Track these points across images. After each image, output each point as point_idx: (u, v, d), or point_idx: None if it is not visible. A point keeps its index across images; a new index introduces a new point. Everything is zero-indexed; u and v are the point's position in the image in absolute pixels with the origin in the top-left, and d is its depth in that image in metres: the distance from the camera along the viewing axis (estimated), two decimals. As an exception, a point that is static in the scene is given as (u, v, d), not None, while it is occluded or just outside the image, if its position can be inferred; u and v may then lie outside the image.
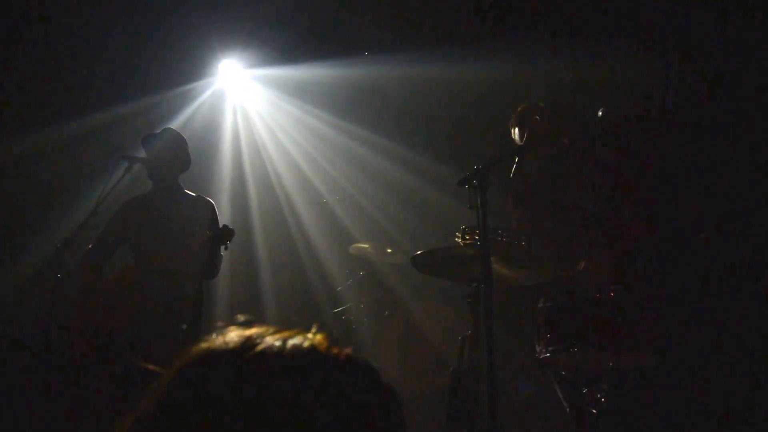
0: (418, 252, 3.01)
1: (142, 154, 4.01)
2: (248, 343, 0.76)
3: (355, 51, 5.49)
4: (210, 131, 6.01)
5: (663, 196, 3.18)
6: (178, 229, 3.90)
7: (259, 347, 0.76)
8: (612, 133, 2.98)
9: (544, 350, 2.86)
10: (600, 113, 3.01)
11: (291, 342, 0.77)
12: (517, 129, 3.43)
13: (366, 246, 5.66)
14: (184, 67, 5.65)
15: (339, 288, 5.79)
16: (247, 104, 6.20)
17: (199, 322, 3.93)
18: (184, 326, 3.82)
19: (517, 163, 2.88)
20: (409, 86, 5.42)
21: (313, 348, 0.77)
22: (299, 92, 5.98)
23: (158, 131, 4.16)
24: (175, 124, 5.38)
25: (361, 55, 5.47)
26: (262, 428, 0.69)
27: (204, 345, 0.79)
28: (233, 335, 0.78)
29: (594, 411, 2.80)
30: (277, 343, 0.76)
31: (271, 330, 0.79)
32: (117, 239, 4.09)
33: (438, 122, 5.57)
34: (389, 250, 5.60)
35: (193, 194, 4.11)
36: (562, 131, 3.38)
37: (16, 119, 5.18)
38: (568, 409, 3.06)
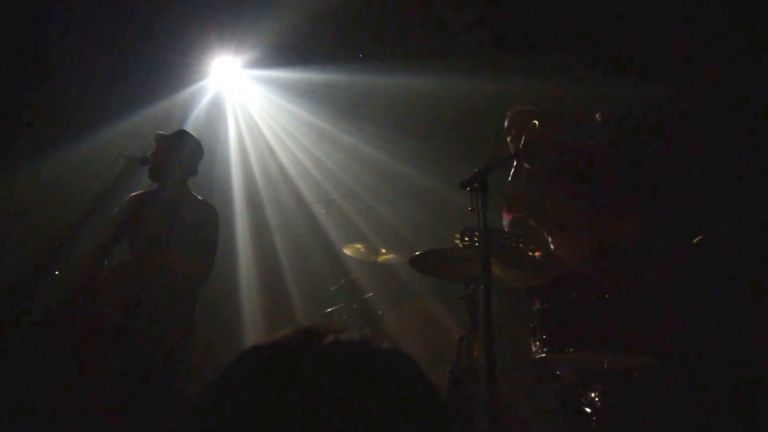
0: (417, 253, 3.04)
1: (144, 153, 4.02)
2: (309, 337, 0.82)
3: (353, 55, 5.53)
4: (212, 134, 6.03)
5: (659, 198, 3.24)
6: (176, 229, 3.92)
7: (320, 340, 0.81)
8: (612, 136, 3.04)
9: (539, 351, 2.92)
10: (598, 117, 3.06)
11: (345, 336, 0.82)
12: (513, 130, 3.48)
13: (359, 246, 5.70)
14: (181, 70, 5.65)
15: (332, 288, 5.83)
16: (246, 104, 6.21)
17: (192, 323, 3.95)
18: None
19: (516, 167, 2.92)
20: (412, 88, 5.46)
21: (364, 341, 0.83)
22: (299, 92, 6.00)
23: (172, 132, 4.15)
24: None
25: (359, 58, 5.50)
26: (324, 414, 0.73)
27: (268, 338, 0.83)
28: (294, 331, 0.83)
29: (589, 411, 2.84)
30: (333, 337, 0.82)
31: (323, 327, 0.84)
32: (119, 233, 4.09)
33: (442, 122, 5.62)
34: (383, 250, 5.64)
35: (200, 198, 4.12)
36: (559, 135, 3.42)
37: (20, 144, 5.14)
38: (563, 410, 3.12)
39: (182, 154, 4.05)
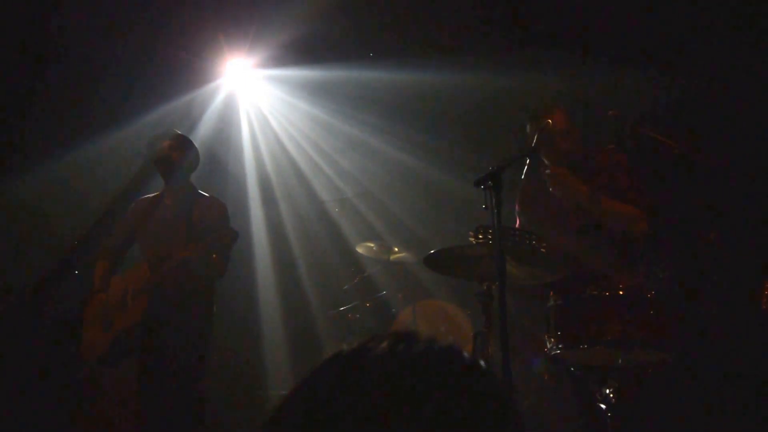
0: (431, 251, 3.06)
1: (159, 153, 4.09)
2: (396, 343, 0.79)
3: (362, 53, 5.54)
4: (225, 135, 6.08)
5: (674, 196, 3.25)
6: (187, 228, 3.97)
7: (410, 347, 0.79)
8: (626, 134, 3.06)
9: (554, 347, 2.92)
10: (610, 114, 3.08)
11: (438, 344, 0.80)
12: (528, 127, 3.49)
13: (372, 245, 5.72)
14: (193, 70, 5.69)
15: (345, 287, 5.86)
16: (259, 103, 6.25)
17: (210, 320, 4.00)
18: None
19: (529, 165, 2.94)
20: (425, 85, 5.47)
21: (454, 349, 0.80)
22: (311, 90, 6.02)
23: (166, 133, 4.25)
24: (192, 129, 5.45)
25: (369, 57, 5.52)
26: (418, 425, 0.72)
27: (350, 345, 0.81)
28: (377, 336, 0.81)
29: (603, 407, 2.86)
30: (425, 345, 0.79)
31: (412, 333, 0.81)
32: (129, 238, 4.18)
33: (455, 119, 5.62)
34: (396, 249, 5.67)
35: (206, 195, 4.18)
36: (572, 133, 3.43)
37: (34, 142, 5.18)
38: (578, 406, 3.13)
39: (190, 153, 4.15)
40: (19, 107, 5.13)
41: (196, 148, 4.23)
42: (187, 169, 4.17)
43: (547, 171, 3.15)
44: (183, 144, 4.17)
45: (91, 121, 5.23)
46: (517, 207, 3.62)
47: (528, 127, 3.47)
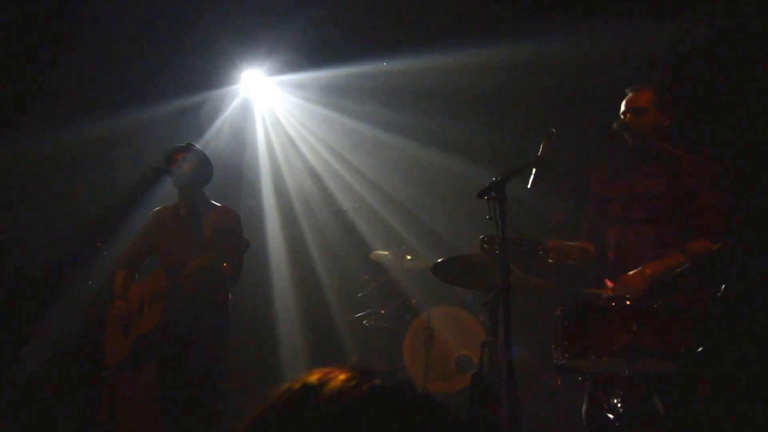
0: (439, 260, 3.09)
1: (169, 165, 4.17)
2: (352, 379, 0.82)
3: (378, 51, 5.55)
4: (240, 141, 6.13)
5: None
6: (203, 238, 4.03)
7: (365, 384, 0.82)
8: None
9: (561, 357, 2.92)
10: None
11: (391, 381, 0.83)
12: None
13: (386, 253, 5.74)
14: (207, 74, 5.75)
15: (360, 294, 5.89)
16: (274, 110, 6.31)
17: (226, 326, 4.07)
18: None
19: (535, 174, 2.94)
20: (437, 83, 5.46)
21: (407, 387, 0.83)
22: (325, 93, 6.05)
23: (181, 145, 4.32)
24: (204, 134, 5.51)
25: (386, 52, 5.51)
26: None
27: (318, 377, 0.84)
28: (341, 371, 0.84)
29: (611, 416, 2.85)
30: (377, 383, 0.82)
31: (370, 368, 0.84)
32: (146, 248, 4.28)
33: (471, 120, 5.60)
34: (409, 257, 5.68)
35: (219, 204, 4.26)
36: (651, 113, 3.35)
37: (43, 120, 5.18)
38: (586, 415, 3.13)
39: (194, 164, 4.21)
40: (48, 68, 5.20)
41: (209, 160, 4.30)
42: (202, 180, 4.24)
43: (648, 276, 3.13)
44: (197, 156, 4.25)
45: (112, 98, 5.30)
46: (591, 189, 3.59)
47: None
